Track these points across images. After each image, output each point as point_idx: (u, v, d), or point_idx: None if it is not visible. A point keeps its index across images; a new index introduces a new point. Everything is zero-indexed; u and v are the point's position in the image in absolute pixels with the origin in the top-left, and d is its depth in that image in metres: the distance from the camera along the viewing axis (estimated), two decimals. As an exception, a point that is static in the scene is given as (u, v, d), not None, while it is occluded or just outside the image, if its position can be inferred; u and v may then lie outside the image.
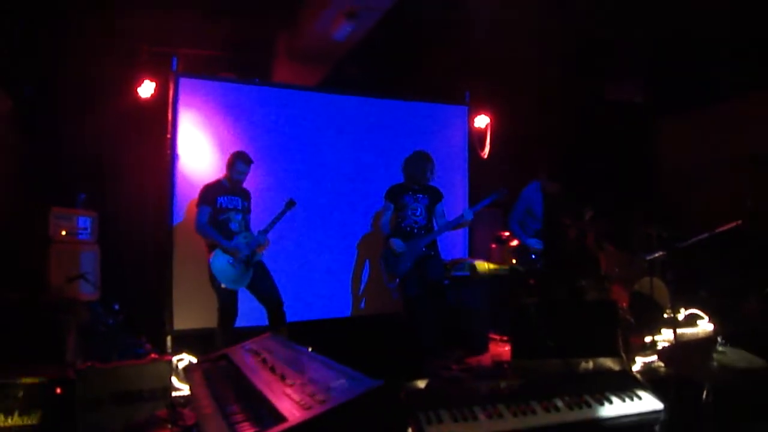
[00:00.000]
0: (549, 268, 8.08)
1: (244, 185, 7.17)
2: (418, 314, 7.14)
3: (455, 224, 7.32)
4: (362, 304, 8.61)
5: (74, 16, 7.64)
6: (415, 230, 7.31)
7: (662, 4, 7.93)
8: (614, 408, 3.57)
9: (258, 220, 7.16)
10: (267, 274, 7.07)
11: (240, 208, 6.97)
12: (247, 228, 7.02)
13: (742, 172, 8.66)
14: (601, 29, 8.62)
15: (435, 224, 7.43)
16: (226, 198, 6.89)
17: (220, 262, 6.65)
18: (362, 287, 8.72)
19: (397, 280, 7.27)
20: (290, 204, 7.09)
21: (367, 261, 8.78)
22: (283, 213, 7.02)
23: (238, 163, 6.91)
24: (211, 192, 6.89)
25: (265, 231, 6.92)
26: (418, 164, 7.41)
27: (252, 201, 7.25)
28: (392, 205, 7.49)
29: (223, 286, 6.68)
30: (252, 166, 7.03)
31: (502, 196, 7.26)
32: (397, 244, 7.22)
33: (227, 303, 6.84)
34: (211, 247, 6.72)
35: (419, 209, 7.36)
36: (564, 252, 8.07)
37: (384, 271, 7.43)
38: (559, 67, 9.04)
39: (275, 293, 7.06)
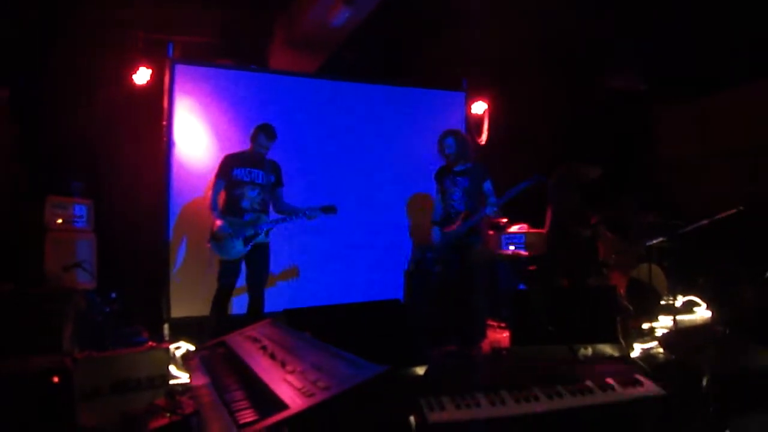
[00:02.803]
0: (554, 256, 8.12)
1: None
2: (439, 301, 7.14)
3: (480, 220, 7.08)
4: (361, 291, 8.60)
5: (69, 3, 7.58)
6: (453, 216, 7.15)
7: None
8: (615, 394, 3.55)
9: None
10: (264, 258, 6.91)
11: (260, 182, 6.81)
12: (265, 205, 6.88)
13: (740, 160, 8.66)
14: (600, 17, 8.57)
15: (483, 207, 7.05)
16: (243, 170, 6.76)
17: (220, 229, 6.59)
18: (362, 273, 8.71)
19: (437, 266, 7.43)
20: (329, 209, 7.01)
21: (367, 246, 8.77)
22: (313, 214, 6.92)
23: (260, 136, 6.80)
24: (227, 164, 6.82)
25: (279, 220, 6.88)
26: (438, 143, 7.30)
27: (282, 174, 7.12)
28: (438, 188, 7.41)
29: (208, 245, 6.67)
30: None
31: (535, 183, 6.93)
32: (434, 233, 7.33)
33: (222, 274, 6.71)
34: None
35: (457, 193, 7.16)
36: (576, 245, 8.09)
37: (429, 257, 7.46)
38: (558, 55, 9.01)
39: (261, 284, 6.90)
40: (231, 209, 6.70)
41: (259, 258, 6.82)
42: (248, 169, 6.78)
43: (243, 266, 6.81)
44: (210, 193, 6.84)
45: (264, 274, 6.95)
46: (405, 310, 6.81)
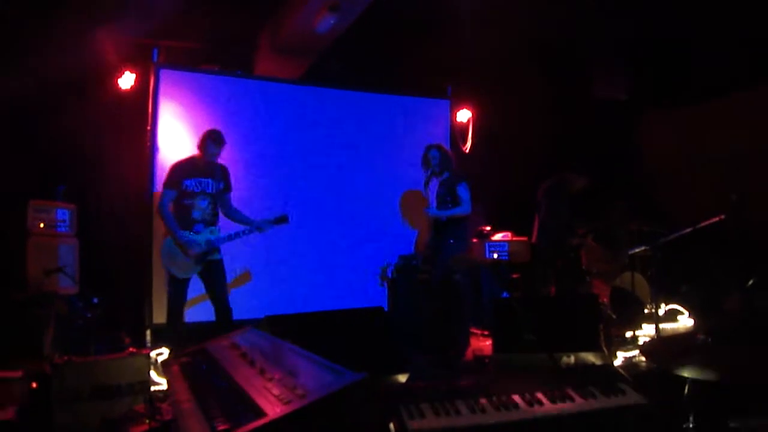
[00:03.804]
0: (544, 265, 8.18)
1: (223, 162, 6.91)
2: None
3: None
4: (344, 298, 8.59)
5: (55, 4, 7.55)
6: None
7: (646, 1, 7.95)
8: (597, 402, 3.55)
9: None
10: (220, 275, 6.74)
11: (210, 191, 6.63)
12: (215, 215, 6.74)
13: (725, 169, 8.70)
14: (586, 26, 8.60)
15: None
16: (194, 181, 6.56)
17: (170, 245, 6.50)
18: (345, 280, 8.71)
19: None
20: (280, 219, 6.88)
21: (350, 253, 8.78)
22: (266, 226, 6.79)
23: (208, 144, 6.60)
24: (177, 173, 6.61)
25: (233, 238, 6.69)
26: (422, 157, 7.73)
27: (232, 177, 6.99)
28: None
29: (164, 267, 6.58)
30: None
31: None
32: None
33: (171, 291, 6.60)
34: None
35: (431, 200, 7.62)
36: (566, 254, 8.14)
37: None
38: (543, 63, 9.03)
39: (224, 297, 6.74)
40: (181, 221, 6.52)
41: (215, 278, 6.69)
42: (198, 179, 6.59)
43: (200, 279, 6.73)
44: (159, 204, 6.58)
45: (223, 288, 6.77)
46: (388, 317, 6.85)
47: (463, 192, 7.34)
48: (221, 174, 6.81)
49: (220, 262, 6.72)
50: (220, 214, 6.87)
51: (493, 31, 8.28)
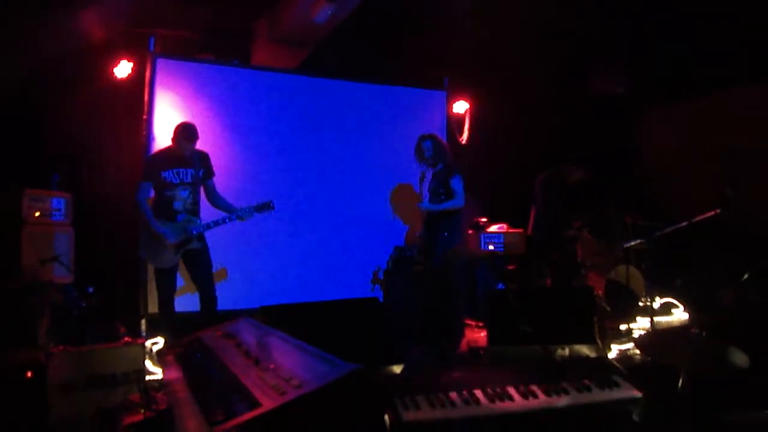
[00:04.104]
0: (536, 255, 8.19)
1: (203, 148, 6.81)
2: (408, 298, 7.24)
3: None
4: (339, 288, 8.60)
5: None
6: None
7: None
8: (592, 395, 3.56)
9: (228, 200, 6.91)
10: (202, 263, 6.70)
11: (189, 181, 6.56)
12: (197, 205, 6.66)
13: (720, 163, 8.70)
14: (584, 19, 8.59)
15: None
16: (171, 172, 6.49)
17: (147, 236, 6.48)
18: (340, 271, 8.71)
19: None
20: (264, 206, 6.75)
21: (345, 244, 8.77)
22: (248, 213, 6.68)
23: (181, 140, 6.50)
24: (154, 165, 6.57)
25: (216, 225, 6.59)
26: (415, 148, 7.72)
27: (213, 162, 6.91)
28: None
29: (143, 259, 6.61)
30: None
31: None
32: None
33: (159, 282, 6.61)
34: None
35: (425, 193, 7.65)
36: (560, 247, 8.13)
37: None
38: (541, 55, 9.02)
39: (208, 284, 6.71)
40: (163, 212, 6.48)
41: (198, 266, 6.67)
42: (176, 169, 6.52)
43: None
44: (136, 196, 6.49)
45: (207, 277, 6.74)
46: (383, 308, 6.84)
47: (456, 185, 7.35)
48: (200, 161, 6.71)
49: (202, 251, 6.67)
50: (203, 203, 6.81)
51: (491, 22, 8.27)
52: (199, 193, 6.71)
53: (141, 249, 6.55)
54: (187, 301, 7.17)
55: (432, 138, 7.61)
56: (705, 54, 8.48)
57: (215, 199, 6.86)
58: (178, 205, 6.51)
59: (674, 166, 9.65)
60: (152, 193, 6.59)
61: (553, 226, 8.15)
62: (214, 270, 6.95)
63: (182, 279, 6.94)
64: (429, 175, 7.58)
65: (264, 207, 6.76)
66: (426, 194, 7.59)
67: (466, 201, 7.39)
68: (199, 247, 6.61)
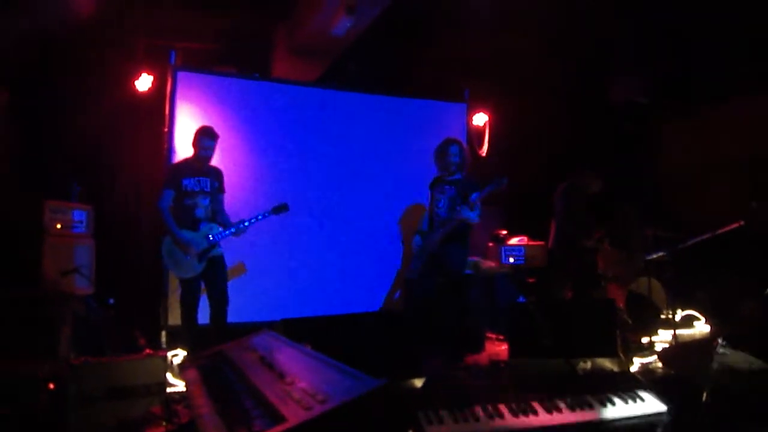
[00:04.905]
0: (560, 269, 8.12)
1: (217, 164, 6.87)
2: (426, 309, 7.09)
3: (457, 221, 7.08)
4: (360, 301, 8.59)
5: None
6: (436, 224, 7.25)
7: (666, 7, 7.90)
8: (617, 409, 3.53)
9: (248, 215, 6.80)
10: (222, 271, 6.73)
11: (209, 190, 6.63)
12: (215, 213, 6.72)
13: (742, 173, 8.64)
14: (604, 29, 8.56)
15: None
16: (192, 180, 6.55)
17: (170, 245, 6.48)
18: (360, 283, 8.69)
19: (412, 269, 7.39)
20: (280, 208, 6.83)
21: (365, 257, 8.76)
22: (266, 215, 6.72)
23: (202, 139, 6.57)
24: (176, 173, 6.60)
25: (239, 231, 6.59)
26: (439, 150, 7.38)
27: (225, 180, 6.93)
28: (430, 197, 7.48)
29: (166, 268, 6.60)
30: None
31: (500, 186, 6.90)
32: (414, 240, 7.33)
33: (182, 292, 6.62)
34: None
35: (442, 201, 7.26)
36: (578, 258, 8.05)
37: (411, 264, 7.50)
38: (561, 66, 9.00)
39: (224, 293, 6.72)
40: (185, 221, 6.51)
41: (218, 272, 6.68)
42: (197, 178, 6.58)
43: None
44: (159, 204, 6.49)
45: (225, 287, 6.75)
46: (404, 319, 6.81)
47: (477, 199, 7.08)
48: (215, 174, 6.80)
49: (222, 256, 6.71)
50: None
51: (509, 34, 8.27)
52: (214, 202, 6.75)
53: (164, 259, 6.55)
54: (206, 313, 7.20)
55: (460, 143, 7.40)
56: (727, 62, 8.43)
57: (219, 214, 6.85)
58: (200, 213, 6.56)
59: (696, 177, 9.59)
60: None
61: (573, 236, 8.08)
62: (231, 265, 6.96)
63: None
64: (436, 190, 7.36)
65: (281, 209, 6.84)
66: (441, 202, 7.31)
67: (486, 212, 7.31)
68: (220, 253, 6.66)
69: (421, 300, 7.21)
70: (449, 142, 7.34)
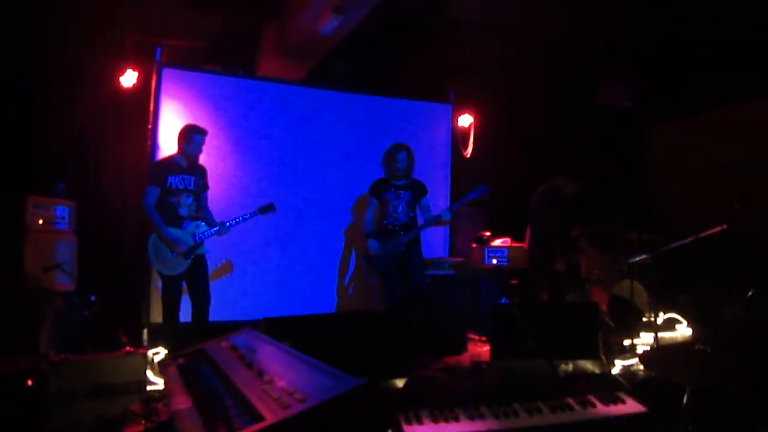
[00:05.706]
0: (535, 270, 8.13)
1: (201, 162, 6.80)
2: (398, 312, 7.08)
3: (431, 223, 7.32)
4: (341, 301, 8.59)
5: (58, 3, 7.53)
6: (397, 228, 7.29)
7: (653, 10, 7.93)
8: (597, 411, 3.53)
9: (232, 214, 6.81)
10: (204, 270, 6.69)
11: (192, 188, 6.57)
12: (199, 210, 6.69)
13: (729, 178, 8.68)
14: (592, 31, 8.58)
15: (420, 220, 7.39)
16: (177, 178, 6.48)
17: (155, 242, 6.42)
18: (342, 283, 8.70)
19: (373, 277, 7.30)
20: (266, 208, 6.83)
21: (347, 257, 8.75)
22: (252, 215, 6.73)
23: (194, 135, 6.51)
24: (161, 171, 6.53)
25: (223, 231, 6.59)
26: (389, 155, 7.44)
27: (208, 178, 6.88)
28: (375, 201, 7.45)
29: (151, 266, 6.57)
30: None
31: (481, 195, 7.16)
32: (371, 245, 7.26)
33: (164, 289, 6.59)
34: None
35: (400, 206, 7.32)
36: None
37: (365, 268, 7.43)
38: (547, 69, 9.02)
39: (206, 293, 6.68)
40: (169, 218, 6.43)
41: (200, 270, 6.64)
42: (181, 176, 6.52)
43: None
44: (144, 202, 6.40)
45: (207, 286, 6.72)
46: (385, 320, 6.80)
47: (428, 203, 7.46)
48: (200, 172, 6.76)
49: (205, 255, 6.67)
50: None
51: (496, 36, 8.28)
52: (198, 201, 6.72)
53: (149, 255, 6.49)
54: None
55: (408, 149, 7.44)
56: (713, 68, 8.47)
57: (203, 212, 6.83)
58: (183, 211, 6.51)
59: (681, 181, 9.63)
60: None
61: (548, 239, 8.09)
62: (219, 264, 7.02)
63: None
64: (389, 195, 7.39)
65: (267, 209, 6.84)
66: (370, 217, 7.48)
67: (470, 213, 7.36)
68: (203, 252, 6.61)
69: (398, 301, 7.23)
70: (397, 149, 7.41)
